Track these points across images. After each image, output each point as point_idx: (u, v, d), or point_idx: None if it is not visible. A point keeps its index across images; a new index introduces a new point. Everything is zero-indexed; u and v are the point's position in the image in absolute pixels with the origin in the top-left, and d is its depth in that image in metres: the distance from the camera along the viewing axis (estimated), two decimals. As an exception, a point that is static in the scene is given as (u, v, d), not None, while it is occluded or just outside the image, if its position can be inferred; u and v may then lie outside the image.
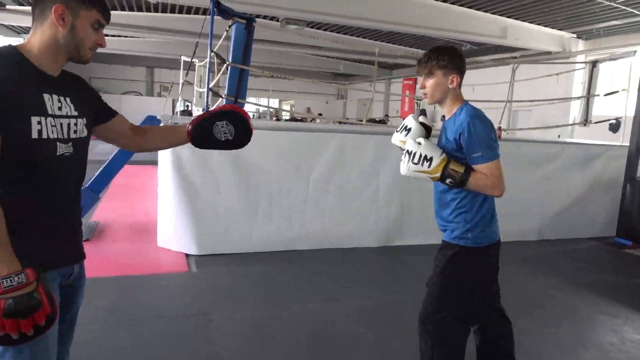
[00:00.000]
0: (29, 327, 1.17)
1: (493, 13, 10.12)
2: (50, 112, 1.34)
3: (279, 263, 4.47)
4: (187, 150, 4.38)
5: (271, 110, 18.74)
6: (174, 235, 4.57)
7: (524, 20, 10.50)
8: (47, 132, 1.32)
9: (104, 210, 6.00)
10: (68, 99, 1.42)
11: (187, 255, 4.47)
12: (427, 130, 2.13)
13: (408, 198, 5.13)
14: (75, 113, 1.44)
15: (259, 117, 20.70)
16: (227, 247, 4.58)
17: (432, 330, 2.05)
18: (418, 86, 2.15)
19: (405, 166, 1.97)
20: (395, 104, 19.32)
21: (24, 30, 16.15)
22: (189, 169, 4.41)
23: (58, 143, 1.35)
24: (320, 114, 21.33)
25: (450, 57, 1.97)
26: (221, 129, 1.67)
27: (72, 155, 1.42)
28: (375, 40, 14.04)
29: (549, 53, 11.48)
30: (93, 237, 4.79)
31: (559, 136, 10.57)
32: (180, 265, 4.27)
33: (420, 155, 1.90)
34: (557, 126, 9.08)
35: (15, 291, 1.15)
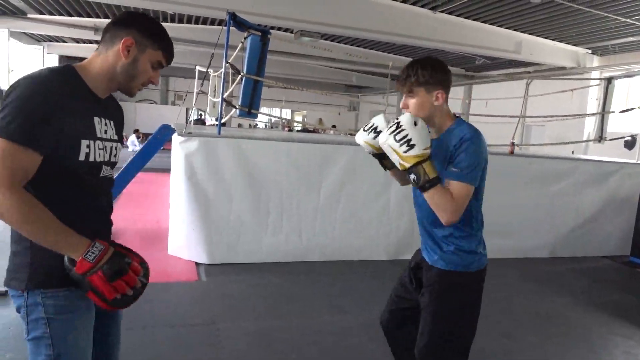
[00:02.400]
0: (135, 279, 1.28)
1: (507, 28, 10.13)
2: (99, 135, 1.38)
3: (288, 274, 4.47)
4: (200, 159, 4.42)
5: (283, 120, 18.85)
6: (184, 243, 4.59)
7: (538, 36, 10.49)
8: (95, 155, 1.35)
9: (116, 217, 5.99)
10: (112, 123, 1.46)
11: (197, 264, 4.49)
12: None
13: (411, 210, 5.10)
14: (116, 137, 1.49)
15: (271, 127, 20.83)
16: (237, 257, 4.59)
17: None
18: (400, 105, 1.80)
19: (384, 135, 1.66)
20: (407, 116, 19.30)
21: (44, 39, 16.52)
22: (201, 177, 4.45)
23: (103, 166, 1.40)
24: (334, 126, 21.43)
25: (431, 71, 1.71)
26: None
27: (111, 177, 1.49)
28: (388, 53, 14.10)
29: (564, 68, 11.43)
30: (105, 244, 4.83)
31: (572, 152, 10.48)
32: (190, 273, 4.29)
33: (404, 137, 1.61)
34: (571, 142, 9.01)
35: (102, 259, 1.23)
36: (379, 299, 4.05)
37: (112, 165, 1.47)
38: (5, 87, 12.18)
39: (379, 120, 1.83)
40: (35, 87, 1.22)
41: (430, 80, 1.71)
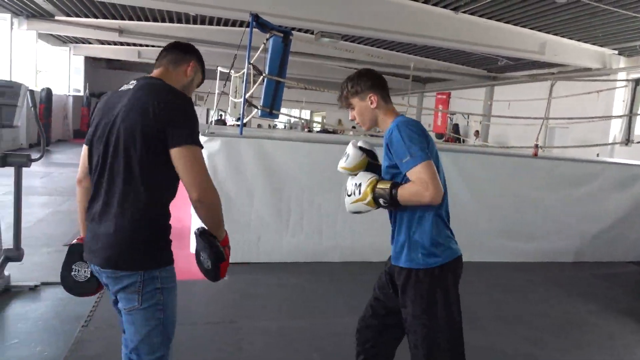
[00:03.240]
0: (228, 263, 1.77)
1: (531, 28, 9.98)
2: None
3: (309, 274, 4.48)
4: (222, 158, 4.47)
5: (303, 121, 18.90)
6: (206, 242, 4.64)
7: (563, 36, 10.32)
8: None
9: (139, 215, 6.15)
10: None
11: (218, 262, 4.53)
12: (369, 155, 2.01)
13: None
14: None
15: (290, 128, 20.90)
16: (258, 256, 4.63)
17: None
18: (349, 118, 2.03)
19: (347, 206, 1.90)
20: (427, 117, 19.18)
21: (70, 40, 16.89)
22: (223, 177, 4.49)
23: None
24: (353, 127, 21.37)
25: (356, 80, 1.92)
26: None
27: None
28: (409, 54, 14.03)
29: (589, 69, 11.21)
30: (128, 241, 4.92)
31: (597, 155, 10.26)
32: (211, 272, 4.33)
33: (353, 185, 1.84)
34: (596, 145, 8.82)
35: (227, 244, 1.82)
36: (399, 300, 4.04)
37: None
38: (33, 88, 12.48)
39: (348, 147, 2.04)
40: (191, 104, 1.65)
41: (359, 89, 1.91)
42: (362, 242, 4.96)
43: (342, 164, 2.01)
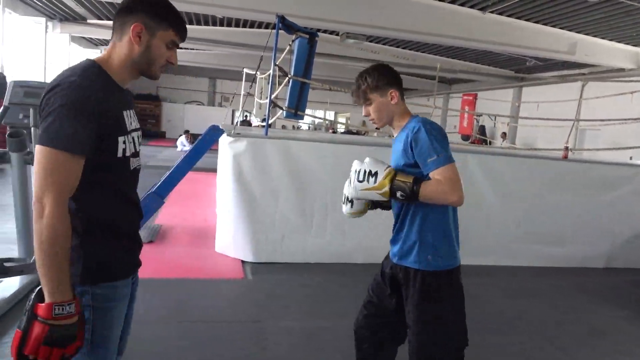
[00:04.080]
0: (58, 358, 1.19)
1: (561, 28, 9.76)
2: (128, 128, 1.38)
3: (332, 275, 4.48)
4: (248, 159, 4.51)
5: (327, 122, 18.92)
6: (231, 241, 4.70)
7: (594, 36, 10.05)
8: (127, 149, 1.37)
9: (167, 215, 6.27)
10: (132, 112, 1.45)
11: (243, 262, 4.59)
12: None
13: (462, 215, 5.01)
14: (138, 126, 1.49)
15: (315, 129, 20.96)
16: (282, 256, 4.65)
17: None
18: (362, 114, 1.95)
19: (351, 186, 1.83)
20: (454, 119, 18.95)
21: (102, 43, 17.32)
22: (248, 177, 4.53)
23: (131, 159, 1.41)
24: (377, 128, 21.24)
25: (377, 74, 1.84)
26: None
27: (139, 167, 1.49)
28: (435, 55, 13.89)
29: (622, 70, 10.88)
30: (156, 240, 5.03)
31: (630, 158, 9.94)
32: (236, 271, 4.38)
33: (365, 172, 1.77)
34: (629, 147, 8.53)
35: (62, 320, 1.18)
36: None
37: (138, 154, 1.46)
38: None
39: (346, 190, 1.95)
40: (76, 92, 1.22)
41: (379, 83, 1.83)
42: (386, 243, 4.91)
43: (368, 185, 1.79)
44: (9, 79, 5.68)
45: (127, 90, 1.46)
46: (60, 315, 1.18)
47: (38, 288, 1.22)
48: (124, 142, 1.35)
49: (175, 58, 1.44)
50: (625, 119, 7.91)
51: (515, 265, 5.12)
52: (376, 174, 1.74)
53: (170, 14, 1.38)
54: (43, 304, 1.18)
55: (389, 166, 1.79)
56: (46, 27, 12.52)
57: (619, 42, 10.26)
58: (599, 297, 4.51)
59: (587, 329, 3.68)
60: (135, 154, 1.44)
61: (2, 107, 3.22)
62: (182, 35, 1.42)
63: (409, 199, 1.72)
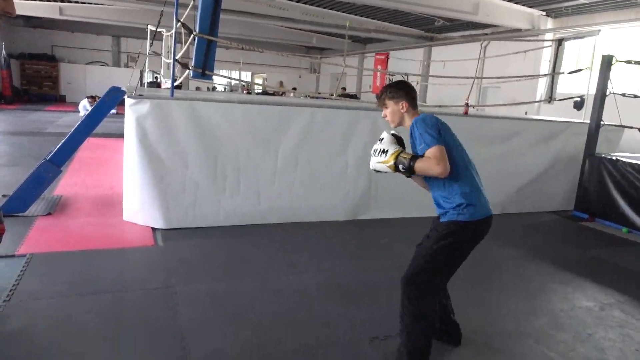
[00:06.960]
0: None
1: (465, -11, 10.14)
2: None
3: (246, 237, 4.49)
4: (152, 121, 4.30)
5: (242, 83, 18.40)
6: (139, 209, 4.51)
7: (495, -3, 10.56)
8: None
9: (68, 184, 5.86)
10: None
11: (153, 229, 4.44)
12: (397, 140, 2.45)
13: (376, 173, 5.19)
14: None
15: (231, 90, 20.34)
16: (194, 221, 4.57)
17: (414, 292, 2.37)
18: (381, 115, 2.59)
19: (371, 161, 2.41)
20: (369, 79, 19.26)
21: None
22: (154, 141, 4.33)
23: None
24: (294, 88, 21.09)
25: (395, 89, 2.49)
26: None
27: None
28: (347, 13, 13.86)
29: (519, 30, 11.60)
30: (55, 211, 4.68)
31: (525, 113, 10.80)
32: (146, 239, 4.24)
33: (380, 150, 2.36)
34: (523, 103, 9.26)
35: None
36: (336, 259, 4.15)
37: None
38: None
39: (383, 133, 2.45)
40: None
41: (395, 95, 2.48)
42: (300, 203, 5.00)
43: (380, 159, 2.34)
44: None
45: None
46: None
47: None
48: None
49: (12, 7, 1.35)
50: (518, 77, 8.51)
51: (423, 216, 5.43)
52: (387, 151, 2.32)
53: None
54: None
55: (399, 147, 2.34)
56: None
57: (517, 3, 10.88)
58: (493, 240, 4.92)
59: (479, 268, 4.01)
60: None
61: None
62: None
63: (407, 171, 2.27)
